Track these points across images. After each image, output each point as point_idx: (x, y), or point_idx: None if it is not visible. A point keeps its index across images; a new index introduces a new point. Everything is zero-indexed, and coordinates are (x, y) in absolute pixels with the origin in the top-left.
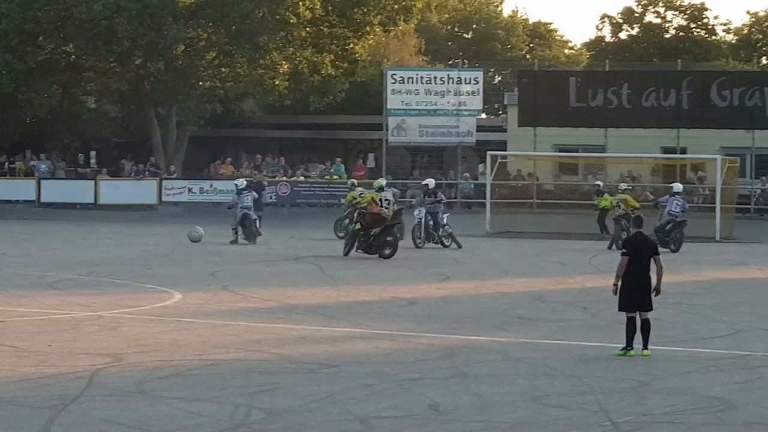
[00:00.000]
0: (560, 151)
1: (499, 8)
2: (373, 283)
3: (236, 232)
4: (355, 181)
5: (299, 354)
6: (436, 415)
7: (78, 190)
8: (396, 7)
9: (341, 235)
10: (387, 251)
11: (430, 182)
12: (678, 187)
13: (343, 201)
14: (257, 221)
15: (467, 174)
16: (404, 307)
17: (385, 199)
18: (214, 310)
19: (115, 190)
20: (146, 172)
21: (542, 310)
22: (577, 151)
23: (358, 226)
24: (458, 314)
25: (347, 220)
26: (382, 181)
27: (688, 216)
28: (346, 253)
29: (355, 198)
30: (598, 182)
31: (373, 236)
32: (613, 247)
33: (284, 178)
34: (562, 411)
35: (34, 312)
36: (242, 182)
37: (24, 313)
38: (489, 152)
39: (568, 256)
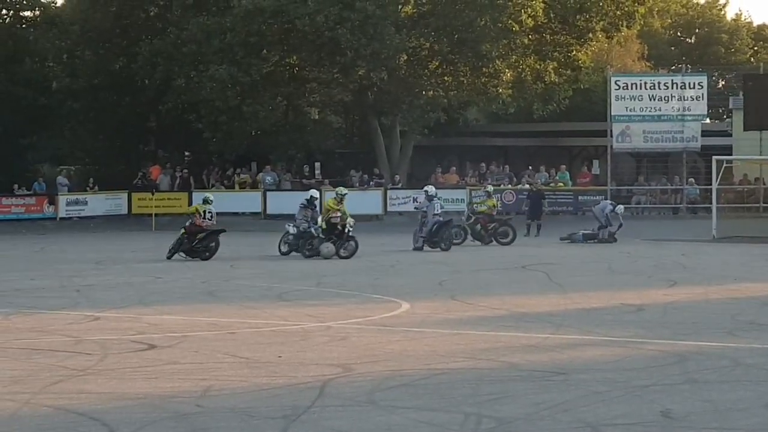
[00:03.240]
0: None
1: (723, 12)
2: (600, 290)
3: (423, 240)
4: (490, 188)
5: (528, 362)
6: (668, 422)
7: None
8: (618, 13)
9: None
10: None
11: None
12: None
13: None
14: (537, 228)
15: (693, 179)
16: (632, 314)
17: (209, 212)
18: (442, 319)
19: None
20: (371, 183)
21: None
22: None
23: (182, 231)
24: (687, 320)
25: (478, 225)
26: (343, 190)
27: None
28: (169, 257)
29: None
30: None
31: (198, 240)
32: None
33: (509, 186)
34: None
35: (263, 323)
36: (432, 188)
37: (254, 325)
38: (714, 157)
39: None
